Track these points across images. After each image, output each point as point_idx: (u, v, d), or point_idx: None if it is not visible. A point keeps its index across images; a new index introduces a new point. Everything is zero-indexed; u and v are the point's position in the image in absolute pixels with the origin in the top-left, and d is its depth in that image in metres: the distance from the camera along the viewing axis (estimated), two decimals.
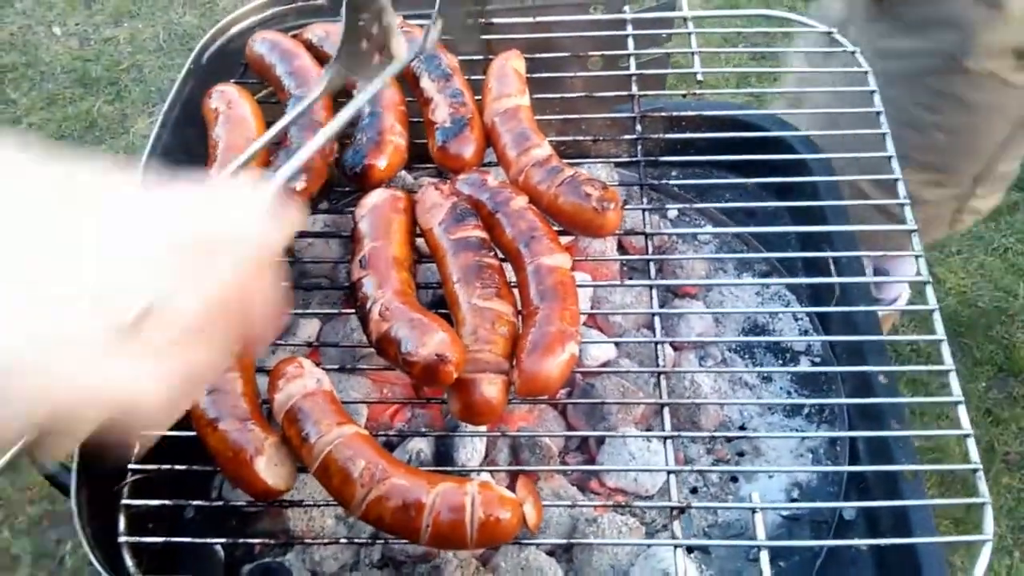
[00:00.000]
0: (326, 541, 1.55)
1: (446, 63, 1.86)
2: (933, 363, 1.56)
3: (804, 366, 1.90)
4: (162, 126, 1.85)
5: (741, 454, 1.82)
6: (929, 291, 1.61)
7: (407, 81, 1.90)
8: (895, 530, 1.56)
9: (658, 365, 1.61)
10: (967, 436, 1.46)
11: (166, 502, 1.47)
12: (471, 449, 1.72)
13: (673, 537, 1.42)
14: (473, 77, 1.92)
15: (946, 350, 1.53)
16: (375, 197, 1.67)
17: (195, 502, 1.50)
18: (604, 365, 1.88)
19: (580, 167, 1.85)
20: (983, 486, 1.42)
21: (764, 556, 1.36)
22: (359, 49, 1.45)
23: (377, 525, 1.36)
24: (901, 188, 1.71)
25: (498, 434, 1.68)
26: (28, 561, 2.98)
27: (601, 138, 1.89)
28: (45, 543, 3.03)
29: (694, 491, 1.78)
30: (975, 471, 1.43)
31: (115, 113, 4.35)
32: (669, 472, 1.47)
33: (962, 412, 1.48)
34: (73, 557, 2.95)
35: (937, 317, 1.56)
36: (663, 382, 1.59)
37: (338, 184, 1.80)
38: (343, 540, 1.52)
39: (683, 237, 2.06)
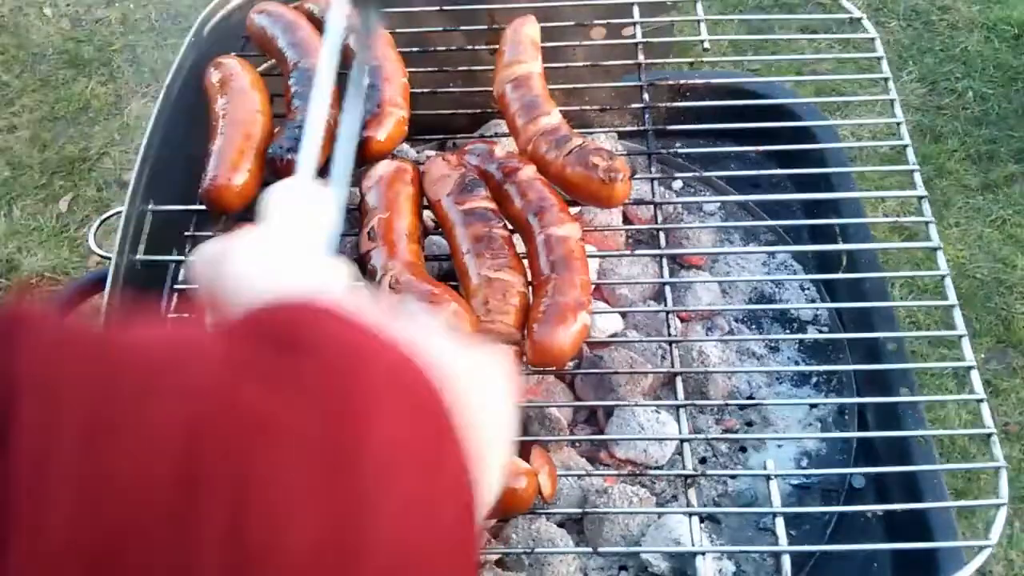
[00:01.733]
0: None
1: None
2: (940, 330, 1.56)
3: (811, 335, 1.90)
4: (164, 99, 1.83)
5: (750, 424, 1.82)
6: (940, 256, 1.61)
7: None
8: (905, 497, 1.56)
9: (669, 334, 1.61)
10: (981, 401, 1.46)
11: None
12: None
13: (688, 506, 1.42)
14: (477, 47, 1.90)
15: (958, 315, 1.52)
16: (382, 168, 1.66)
17: None
18: (612, 337, 1.87)
19: (588, 137, 1.84)
20: (998, 451, 1.42)
21: (780, 523, 1.36)
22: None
23: None
24: (910, 154, 1.71)
25: None
26: None
27: (608, 107, 1.87)
28: None
29: (703, 461, 1.78)
30: (989, 436, 1.43)
31: (109, 94, 4.30)
32: (682, 440, 1.47)
33: (974, 377, 1.48)
34: None
35: (948, 283, 1.56)
36: (674, 351, 1.58)
37: None
38: None
39: (688, 207, 2.05)
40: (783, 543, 1.34)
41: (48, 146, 4.09)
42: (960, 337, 1.49)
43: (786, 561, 1.32)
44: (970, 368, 1.48)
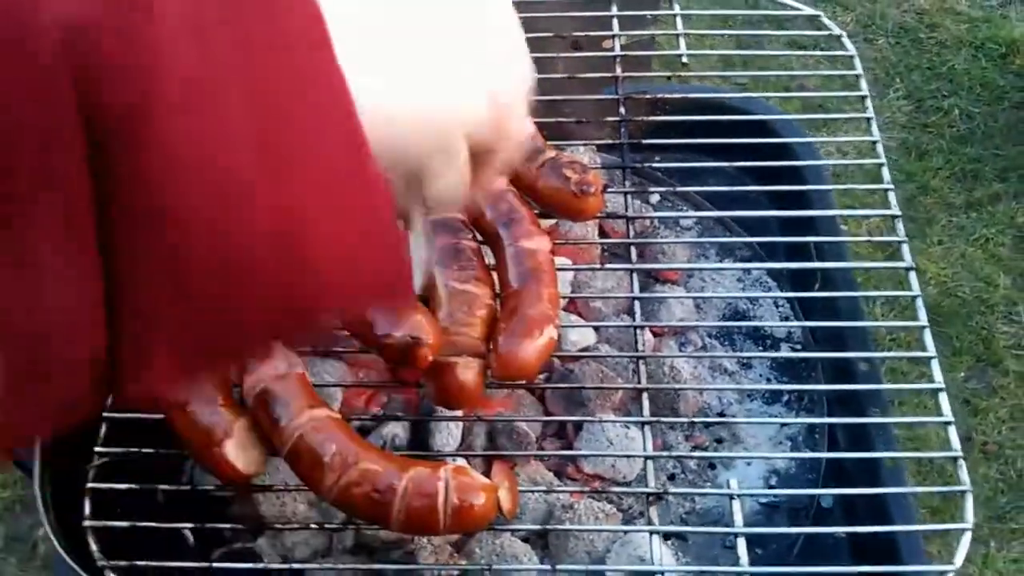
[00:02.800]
0: (296, 526, 1.52)
1: None
2: (915, 351, 1.55)
3: (784, 353, 1.89)
4: None
5: (720, 441, 1.81)
6: (912, 278, 1.59)
7: None
8: (873, 518, 1.55)
9: (637, 350, 1.59)
10: (948, 424, 1.45)
11: (133, 486, 1.44)
12: (447, 434, 1.69)
13: (649, 523, 1.40)
14: None
15: (928, 337, 1.51)
16: None
17: (163, 486, 1.47)
18: (584, 351, 1.85)
19: (563, 150, 1.83)
20: (964, 474, 1.41)
21: (741, 543, 1.35)
22: None
23: (348, 511, 1.34)
24: (885, 173, 1.69)
25: (474, 419, 1.66)
26: (0, 546, 2.94)
27: (584, 120, 1.86)
28: (18, 528, 2.99)
29: (672, 478, 1.76)
30: (955, 459, 1.42)
31: None
32: (646, 458, 1.45)
33: (943, 399, 1.47)
34: (46, 543, 2.91)
35: (920, 304, 1.55)
36: (641, 367, 1.57)
37: None
38: (313, 526, 1.49)
39: (665, 222, 2.03)
40: (744, 563, 1.32)
41: None
42: (930, 359, 1.48)
43: None
44: (938, 390, 1.46)
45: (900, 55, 4.26)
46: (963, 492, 1.38)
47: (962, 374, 3.38)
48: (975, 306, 3.53)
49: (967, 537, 1.35)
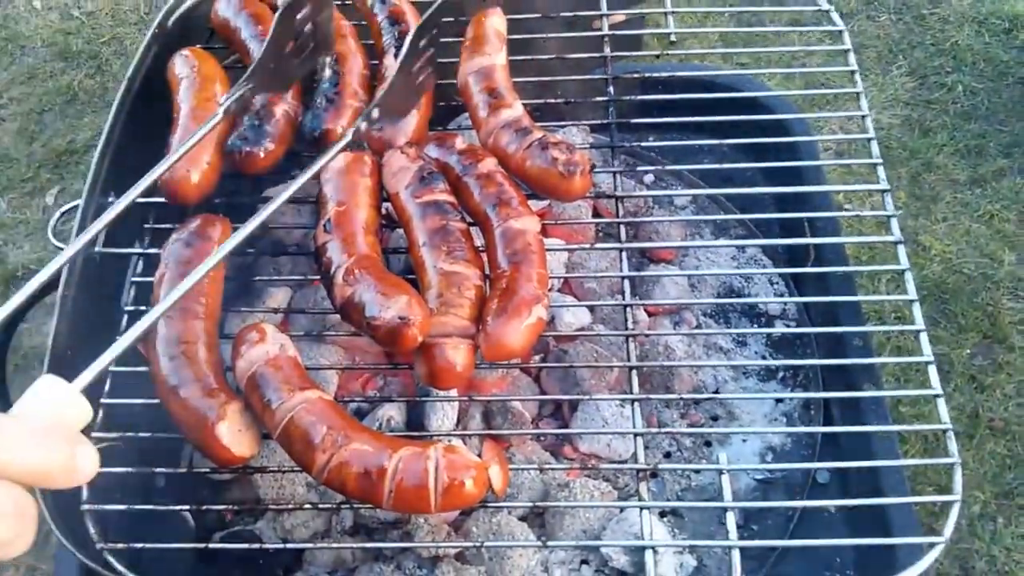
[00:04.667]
0: (292, 507, 1.54)
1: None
2: (906, 324, 1.54)
3: (778, 329, 1.89)
4: (126, 92, 1.82)
5: (715, 419, 1.81)
6: (901, 251, 1.59)
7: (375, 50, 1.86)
8: (868, 492, 1.55)
9: (627, 328, 1.60)
10: (937, 396, 1.44)
11: (130, 469, 1.45)
12: (442, 415, 1.70)
13: (640, 500, 1.41)
14: (451, 40, 1.88)
15: (917, 310, 1.51)
16: (340, 160, 1.64)
17: (160, 469, 1.48)
18: (579, 331, 1.86)
19: (556, 131, 1.82)
20: (953, 446, 1.40)
21: (730, 517, 1.35)
22: (280, 59, 1.51)
23: (341, 491, 1.35)
24: (874, 147, 1.69)
25: (467, 399, 1.67)
26: None
27: (573, 100, 1.86)
28: None
29: (668, 456, 1.77)
30: (945, 431, 1.42)
31: (96, 87, 4.29)
32: (636, 435, 1.46)
33: (932, 372, 1.46)
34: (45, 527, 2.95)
35: (909, 277, 1.54)
36: (631, 345, 1.57)
37: (307, 149, 1.77)
38: (308, 506, 1.51)
39: (659, 201, 2.03)
40: (733, 537, 1.32)
41: (35, 139, 4.09)
42: (918, 332, 1.48)
43: (736, 555, 1.31)
44: (928, 363, 1.46)
45: (903, 32, 4.23)
46: (951, 464, 1.37)
47: (968, 351, 3.35)
48: (980, 282, 3.50)
49: (956, 508, 1.34)
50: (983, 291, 3.49)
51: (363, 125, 1.53)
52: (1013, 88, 4.01)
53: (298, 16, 1.55)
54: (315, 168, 1.39)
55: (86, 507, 1.41)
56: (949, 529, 1.33)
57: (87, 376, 0.96)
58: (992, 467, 3.14)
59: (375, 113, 1.55)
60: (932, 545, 1.31)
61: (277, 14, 1.52)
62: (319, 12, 1.58)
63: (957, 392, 3.22)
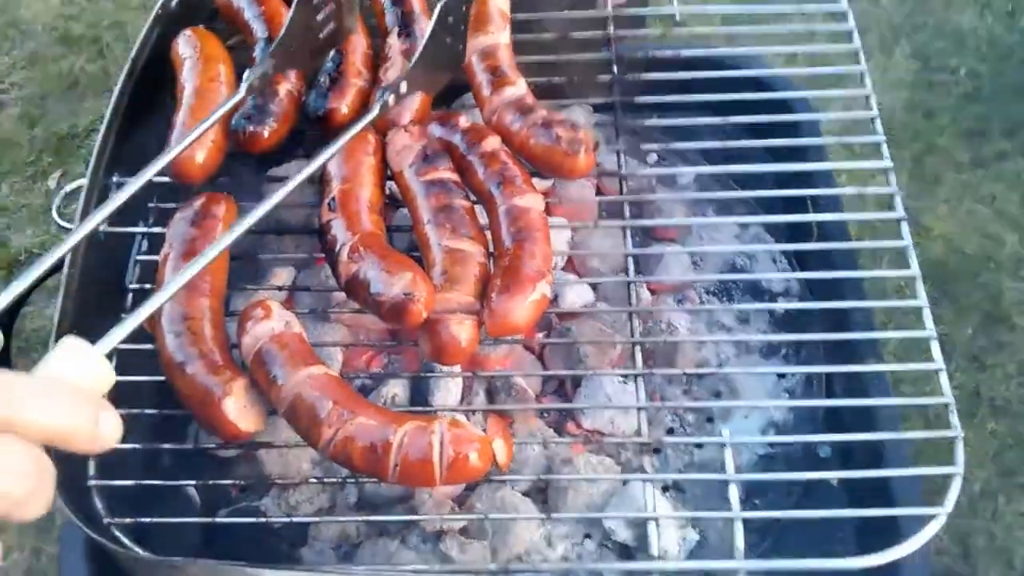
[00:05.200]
0: (297, 481, 1.55)
1: (418, 30, 1.81)
2: (908, 300, 1.55)
3: (780, 305, 1.89)
4: (129, 72, 1.82)
5: (718, 395, 1.82)
6: (904, 228, 1.59)
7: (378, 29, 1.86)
8: (869, 466, 1.56)
9: (630, 304, 1.60)
10: (939, 371, 1.45)
11: (136, 446, 1.47)
12: (447, 392, 1.71)
13: (642, 472, 1.42)
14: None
15: (919, 286, 1.52)
16: (344, 138, 1.64)
17: (167, 445, 1.49)
18: (582, 308, 1.86)
19: (560, 111, 1.83)
20: (955, 419, 1.41)
21: (732, 489, 1.36)
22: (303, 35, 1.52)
23: (347, 465, 1.36)
24: (878, 125, 1.69)
25: (470, 375, 1.68)
26: None
27: (576, 79, 1.86)
28: None
29: (670, 432, 1.78)
30: (947, 405, 1.43)
31: (97, 71, 4.29)
32: (639, 408, 1.47)
33: (934, 347, 1.47)
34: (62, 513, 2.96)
35: (911, 253, 1.55)
36: (635, 321, 1.58)
37: (311, 128, 1.77)
38: (313, 480, 1.52)
39: (663, 180, 2.03)
40: (736, 509, 1.34)
41: (37, 123, 4.09)
42: (920, 308, 1.48)
43: (738, 527, 1.32)
44: (930, 339, 1.47)
45: (906, 14, 4.22)
46: (953, 438, 1.38)
47: (970, 330, 3.36)
48: (982, 263, 3.51)
49: (957, 481, 1.36)
50: (984, 272, 3.50)
51: (391, 99, 1.52)
52: (1016, 70, 4.01)
53: None
54: (339, 144, 1.39)
55: (93, 483, 1.42)
56: (951, 500, 1.34)
57: (110, 340, 0.94)
58: (993, 446, 3.15)
59: (403, 87, 1.54)
60: (933, 516, 1.32)
61: None
62: None
63: (959, 372, 3.24)
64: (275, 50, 1.54)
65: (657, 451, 1.75)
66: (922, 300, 1.50)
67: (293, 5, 1.54)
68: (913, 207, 3.63)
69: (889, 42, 4.13)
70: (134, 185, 1.32)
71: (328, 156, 1.37)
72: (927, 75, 4.01)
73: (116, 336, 0.96)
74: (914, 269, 1.53)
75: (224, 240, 1.18)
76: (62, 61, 4.36)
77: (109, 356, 1.35)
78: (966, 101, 3.91)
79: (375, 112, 1.49)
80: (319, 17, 1.59)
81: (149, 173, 1.35)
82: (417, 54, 1.54)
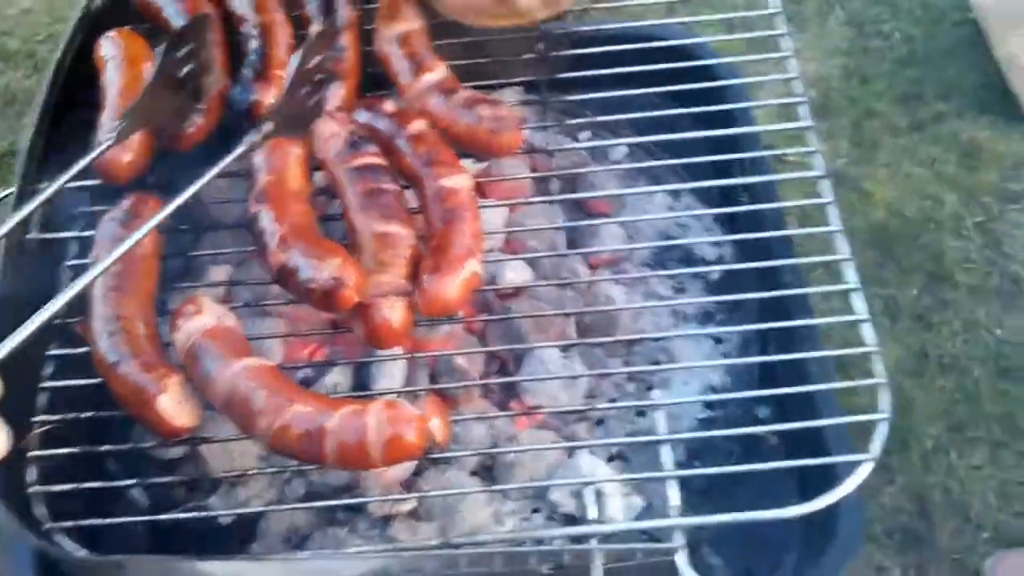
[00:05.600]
0: (237, 473, 1.56)
1: (343, 17, 1.81)
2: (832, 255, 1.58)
3: (715, 275, 1.93)
4: (55, 74, 1.81)
5: (657, 363, 1.85)
6: (825, 186, 1.63)
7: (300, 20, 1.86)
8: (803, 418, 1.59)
9: (563, 277, 1.62)
10: (862, 321, 1.49)
11: (75, 450, 1.46)
12: (389, 377, 1.72)
13: (578, 439, 1.44)
14: (369, 6, 1.88)
15: (840, 240, 1.55)
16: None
17: (106, 447, 1.49)
18: (519, 287, 1.88)
19: (487, 93, 1.84)
20: (878, 367, 1.45)
21: (665, 449, 1.39)
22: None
23: (286, 454, 1.36)
24: (797, 85, 1.72)
25: (409, 356, 1.69)
26: None
27: (499, 59, 1.87)
28: None
29: (612, 401, 1.80)
30: (870, 354, 1.46)
31: (34, 86, 4.23)
32: (575, 377, 1.49)
33: (856, 299, 1.51)
34: None
35: (831, 210, 1.58)
36: (570, 294, 1.60)
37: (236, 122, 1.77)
38: (254, 470, 1.52)
39: (596, 157, 2.04)
40: (668, 468, 1.36)
41: None
42: (841, 261, 1.52)
43: (672, 485, 1.35)
44: (853, 290, 1.51)
45: None
46: (877, 384, 1.42)
47: (914, 291, 3.42)
48: (923, 225, 3.57)
49: (883, 427, 1.39)
50: (926, 233, 3.56)
51: (258, 137, 1.53)
52: (948, 33, 4.08)
53: None
54: (223, 164, 1.45)
55: (33, 490, 1.42)
56: (877, 445, 1.38)
57: None
58: (943, 403, 3.21)
59: (268, 127, 1.54)
60: (859, 463, 1.36)
61: None
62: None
63: (905, 332, 3.29)
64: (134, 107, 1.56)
65: (600, 422, 1.77)
66: (845, 254, 1.54)
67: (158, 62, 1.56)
68: (854, 173, 3.68)
69: (824, 11, 4.18)
70: (53, 186, 1.32)
71: (199, 185, 1.41)
72: (862, 41, 4.06)
73: (3, 348, 1.09)
74: (835, 225, 1.56)
75: (131, 239, 1.19)
76: None
77: (39, 364, 1.37)
78: (901, 66, 3.97)
79: (243, 147, 1.51)
80: (181, 73, 1.60)
81: (70, 173, 1.35)
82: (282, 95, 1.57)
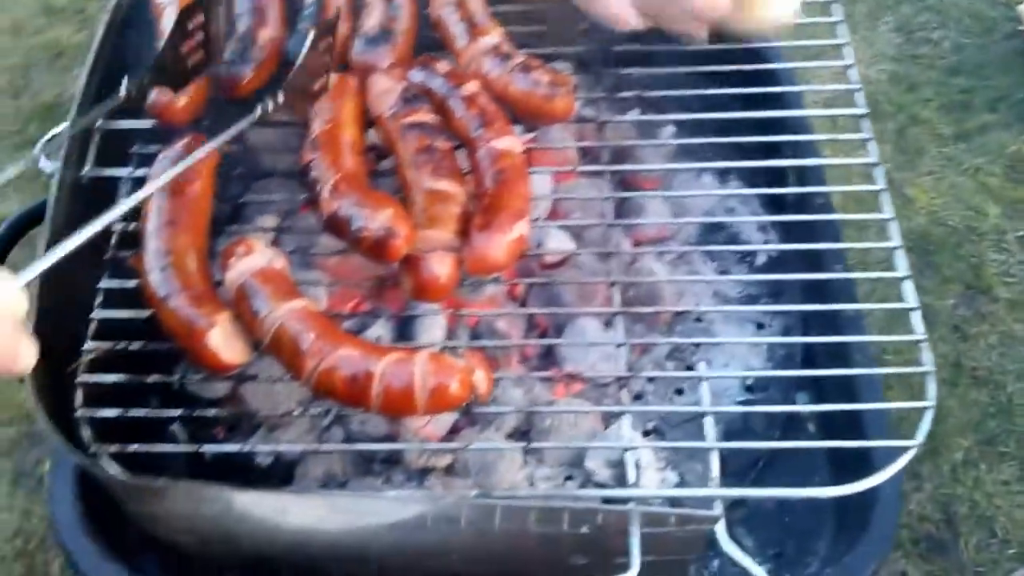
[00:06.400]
0: (280, 413, 1.57)
1: None
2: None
3: (760, 259, 1.92)
4: (113, 14, 1.83)
5: (698, 346, 1.84)
6: (885, 199, 1.60)
7: None
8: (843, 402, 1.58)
9: (606, 247, 1.62)
10: (912, 310, 1.47)
11: (121, 377, 1.48)
12: (431, 332, 1.73)
13: (619, 404, 1.44)
14: None
15: (899, 257, 1.51)
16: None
17: (152, 378, 1.50)
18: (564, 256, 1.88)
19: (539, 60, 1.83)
20: (927, 356, 1.44)
21: (708, 421, 1.38)
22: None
23: (329, 396, 1.38)
24: (853, 74, 1.71)
25: (452, 312, 1.69)
26: (8, 479, 3.00)
27: (553, 30, 1.87)
28: (24, 464, 3.05)
29: (651, 381, 1.80)
30: (919, 342, 1.45)
31: (83, 40, 4.29)
32: (618, 345, 1.49)
33: (907, 287, 1.49)
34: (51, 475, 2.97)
35: (893, 227, 1.55)
36: (614, 263, 1.60)
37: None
38: (296, 412, 1.53)
39: (643, 131, 2.02)
40: (711, 439, 1.36)
41: (22, 93, 4.08)
42: (902, 279, 1.50)
43: (714, 456, 1.34)
44: (904, 278, 1.50)
45: None
46: (925, 373, 1.41)
47: (952, 301, 3.39)
48: (965, 235, 3.54)
49: (929, 414, 1.38)
50: (967, 243, 3.53)
51: (270, 106, 1.53)
52: (999, 44, 4.04)
53: None
54: (218, 141, 1.48)
55: (80, 413, 1.44)
56: (922, 433, 1.37)
57: (30, 273, 1.10)
58: (976, 415, 3.17)
59: (280, 97, 1.54)
60: (906, 449, 1.35)
61: None
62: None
63: (941, 341, 3.26)
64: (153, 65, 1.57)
65: (638, 397, 1.77)
66: (902, 271, 1.51)
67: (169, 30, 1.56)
68: (897, 178, 3.66)
69: (874, 15, 4.15)
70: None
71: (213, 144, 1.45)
72: (911, 48, 4.04)
73: (35, 269, 1.12)
74: (896, 240, 1.53)
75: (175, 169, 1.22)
76: (46, 32, 4.36)
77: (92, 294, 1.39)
78: (949, 74, 3.94)
79: (256, 115, 1.51)
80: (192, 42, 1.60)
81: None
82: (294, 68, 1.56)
